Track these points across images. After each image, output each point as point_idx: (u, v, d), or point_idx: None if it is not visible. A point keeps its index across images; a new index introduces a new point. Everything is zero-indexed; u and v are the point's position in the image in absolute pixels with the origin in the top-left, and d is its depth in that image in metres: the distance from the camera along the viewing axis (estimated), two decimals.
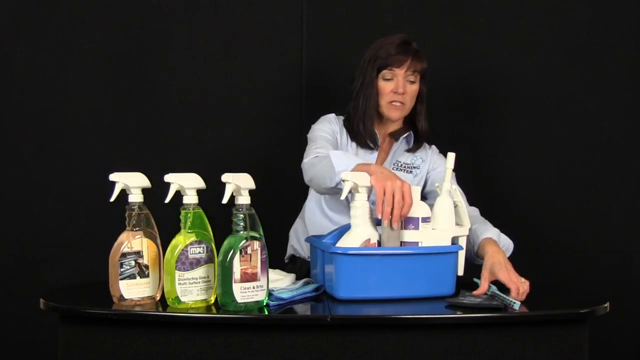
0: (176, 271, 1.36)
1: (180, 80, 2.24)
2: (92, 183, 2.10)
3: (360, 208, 1.49)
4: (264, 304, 1.38)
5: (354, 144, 1.88)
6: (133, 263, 1.39)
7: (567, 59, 2.25)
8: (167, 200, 1.37)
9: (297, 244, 1.95)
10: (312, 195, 1.91)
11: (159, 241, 1.44)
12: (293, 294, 1.45)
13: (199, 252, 1.38)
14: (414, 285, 1.46)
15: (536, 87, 2.26)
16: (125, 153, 2.21)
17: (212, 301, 1.40)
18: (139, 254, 1.40)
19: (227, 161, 2.23)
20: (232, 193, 1.37)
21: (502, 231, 1.68)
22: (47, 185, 2.20)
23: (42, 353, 2.15)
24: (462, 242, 1.56)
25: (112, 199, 1.42)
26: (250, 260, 1.35)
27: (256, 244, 1.36)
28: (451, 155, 1.58)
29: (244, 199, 1.37)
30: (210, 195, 1.42)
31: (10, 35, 2.19)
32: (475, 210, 1.77)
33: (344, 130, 1.88)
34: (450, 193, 1.57)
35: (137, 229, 1.41)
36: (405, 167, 1.89)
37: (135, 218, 1.41)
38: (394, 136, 1.90)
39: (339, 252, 1.46)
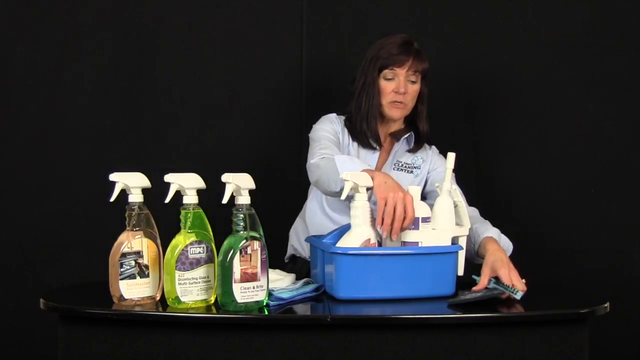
0: (176, 271, 1.36)
1: (181, 80, 2.24)
2: (92, 183, 2.10)
3: (360, 208, 1.49)
4: (264, 304, 1.38)
5: (355, 144, 1.88)
6: (133, 263, 1.39)
7: (568, 59, 2.25)
8: (167, 200, 1.37)
9: (297, 243, 1.95)
10: (314, 196, 1.91)
11: (159, 241, 1.44)
12: (293, 294, 1.45)
13: (199, 252, 1.38)
14: (414, 285, 1.46)
15: (536, 88, 2.26)
16: (125, 153, 2.21)
17: (212, 301, 1.40)
18: (139, 254, 1.40)
19: (227, 161, 2.23)
20: (232, 193, 1.37)
21: (501, 231, 1.69)
22: (47, 185, 2.19)
23: (42, 353, 2.16)
24: (462, 242, 1.56)
25: (112, 199, 1.42)
26: (250, 260, 1.35)
27: (256, 244, 1.36)
28: (451, 155, 1.58)
29: (244, 199, 1.37)
30: (210, 195, 1.42)
31: (10, 35, 2.19)
32: (475, 211, 1.77)
33: (346, 131, 1.89)
34: (450, 193, 1.57)
35: (137, 229, 1.41)
36: (406, 167, 1.89)
37: (135, 218, 1.41)
38: (395, 136, 1.90)
39: (339, 252, 1.46)
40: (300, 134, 2.18)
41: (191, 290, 1.37)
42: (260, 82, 2.27)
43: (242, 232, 1.35)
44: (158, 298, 1.43)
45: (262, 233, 1.37)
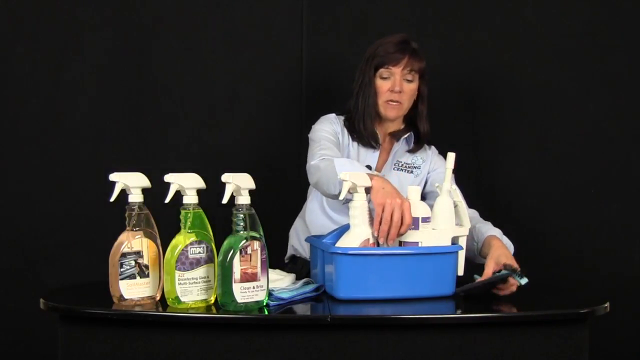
0: (176, 271, 1.36)
1: (181, 80, 2.24)
2: (92, 183, 2.10)
3: (359, 208, 1.49)
4: (264, 304, 1.38)
5: (355, 144, 1.87)
6: (133, 263, 1.39)
7: (568, 59, 2.25)
8: (167, 200, 1.37)
9: (297, 243, 1.95)
10: (314, 196, 1.91)
11: (159, 241, 1.44)
12: (293, 294, 1.45)
13: (199, 252, 1.38)
14: (414, 285, 1.46)
15: (536, 88, 2.26)
16: (125, 153, 2.21)
17: (212, 301, 1.40)
18: (139, 254, 1.40)
19: (227, 161, 2.23)
20: (232, 193, 1.37)
21: (502, 231, 1.69)
22: (47, 185, 2.19)
23: (42, 353, 2.16)
24: (462, 242, 1.56)
25: (112, 199, 1.42)
26: (250, 260, 1.35)
27: (256, 244, 1.36)
28: (451, 156, 1.58)
29: (244, 199, 1.37)
30: (210, 195, 1.42)
31: (10, 35, 2.19)
32: (475, 213, 1.77)
33: (345, 131, 1.88)
34: (450, 193, 1.57)
35: (137, 229, 1.41)
36: (406, 167, 1.89)
37: (135, 218, 1.41)
38: (395, 136, 1.90)
39: (339, 252, 1.46)
40: (300, 134, 2.17)
41: (191, 290, 1.37)
42: (260, 82, 2.27)
43: (242, 232, 1.35)
44: (158, 298, 1.43)
45: (262, 233, 1.37)
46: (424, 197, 1.85)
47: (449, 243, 1.53)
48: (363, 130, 1.84)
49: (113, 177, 1.42)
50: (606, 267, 2.24)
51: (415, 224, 1.50)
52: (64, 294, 1.52)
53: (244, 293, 1.34)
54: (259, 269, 1.35)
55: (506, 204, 2.25)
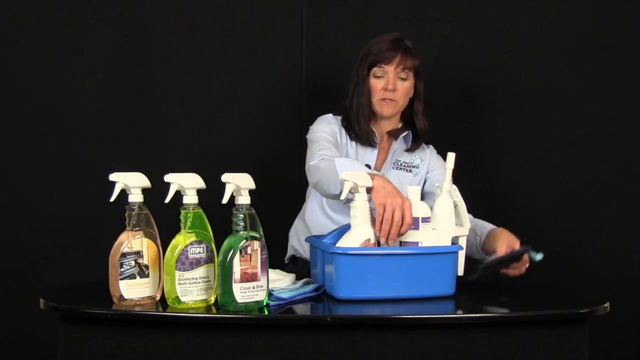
0: (176, 271, 1.36)
1: (180, 80, 2.24)
2: (92, 183, 2.10)
3: (360, 208, 1.49)
4: (264, 304, 1.38)
5: (353, 143, 1.88)
6: (133, 263, 1.39)
7: (568, 59, 2.25)
8: (167, 200, 1.37)
9: (297, 244, 1.95)
10: (314, 196, 1.91)
11: (159, 241, 1.44)
12: (293, 294, 1.45)
13: (199, 252, 1.38)
14: (414, 285, 1.46)
15: (536, 88, 2.26)
16: (125, 153, 2.21)
17: (212, 301, 1.40)
18: (139, 254, 1.40)
19: (227, 161, 2.23)
20: (232, 193, 1.37)
21: None
22: (47, 185, 2.19)
23: (42, 353, 2.16)
24: (462, 242, 1.56)
25: (112, 199, 1.42)
26: (250, 260, 1.35)
27: (256, 244, 1.36)
28: (451, 155, 1.58)
29: (244, 199, 1.37)
30: (210, 195, 1.42)
31: (10, 35, 2.19)
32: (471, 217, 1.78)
33: (343, 130, 1.88)
34: (450, 193, 1.57)
35: (137, 229, 1.41)
36: (405, 166, 1.89)
37: (135, 218, 1.41)
38: (393, 135, 1.90)
39: (339, 252, 1.46)
40: (300, 134, 2.17)
41: (191, 290, 1.37)
42: (260, 82, 2.27)
43: (242, 232, 1.35)
44: (158, 298, 1.43)
45: (262, 233, 1.37)
46: (422, 197, 1.85)
47: (449, 243, 1.53)
48: (358, 129, 1.85)
49: (113, 177, 1.42)
50: (606, 267, 2.24)
51: (415, 224, 1.50)
52: (64, 294, 1.52)
53: (244, 293, 1.34)
54: (259, 269, 1.35)
55: (506, 204, 2.25)
